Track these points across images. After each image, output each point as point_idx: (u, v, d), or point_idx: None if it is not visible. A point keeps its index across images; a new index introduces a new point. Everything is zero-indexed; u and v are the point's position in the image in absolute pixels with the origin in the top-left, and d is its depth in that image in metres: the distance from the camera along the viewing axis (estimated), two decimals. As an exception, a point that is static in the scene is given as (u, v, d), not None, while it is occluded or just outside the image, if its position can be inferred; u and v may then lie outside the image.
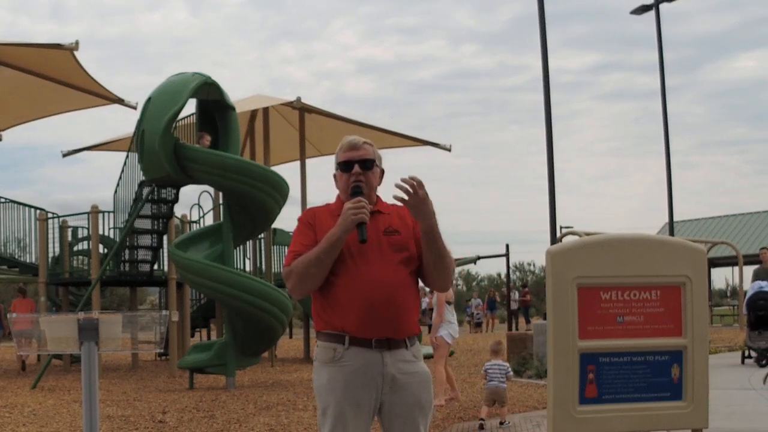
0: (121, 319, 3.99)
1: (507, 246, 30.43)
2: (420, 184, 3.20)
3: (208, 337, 22.44)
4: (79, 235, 16.95)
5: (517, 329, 29.08)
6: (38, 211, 16.43)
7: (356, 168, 3.37)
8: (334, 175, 3.48)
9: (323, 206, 3.48)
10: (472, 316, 35.94)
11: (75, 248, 17.11)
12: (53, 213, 16.56)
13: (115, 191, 15.35)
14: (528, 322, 31.16)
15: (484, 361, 9.25)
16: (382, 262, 3.28)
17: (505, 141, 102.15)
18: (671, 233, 22.13)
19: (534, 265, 63.51)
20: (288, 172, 26.31)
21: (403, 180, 3.21)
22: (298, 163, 18.40)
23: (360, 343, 3.25)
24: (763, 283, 13.35)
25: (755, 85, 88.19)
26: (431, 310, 39.89)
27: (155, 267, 16.28)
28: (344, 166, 3.39)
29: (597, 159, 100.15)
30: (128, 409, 9.75)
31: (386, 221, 3.38)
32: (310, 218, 3.41)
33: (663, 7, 22.34)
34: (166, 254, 15.85)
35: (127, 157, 14.98)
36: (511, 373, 8.75)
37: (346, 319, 3.26)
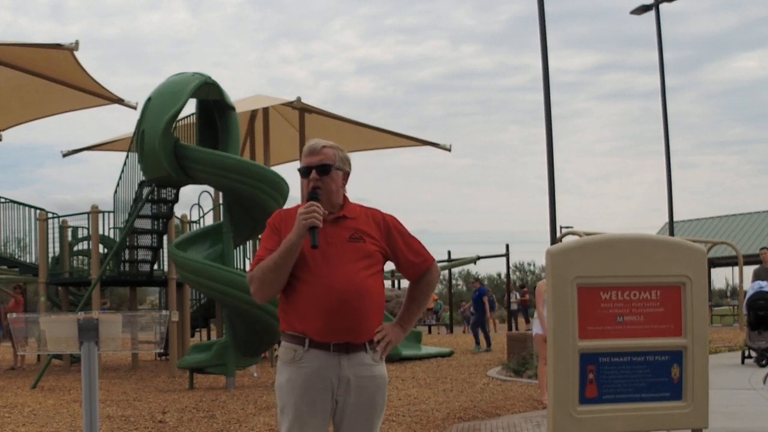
0: (121, 319, 3.99)
1: (507, 246, 30.54)
2: (382, 347, 3.41)
3: (208, 337, 22.44)
4: (79, 235, 16.96)
5: (516, 329, 29.07)
6: (38, 211, 16.43)
7: (313, 174, 3.39)
8: None
9: (293, 208, 3.48)
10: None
11: (75, 248, 17.12)
12: (53, 213, 16.59)
13: (115, 191, 15.36)
14: (528, 322, 31.16)
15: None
16: (344, 269, 3.30)
17: (505, 141, 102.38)
18: (671, 233, 22.12)
19: (534, 265, 63.59)
20: (288, 172, 26.34)
21: (374, 345, 3.39)
22: (298, 163, 18.37)
23: (319, 346, 3.31)
24: (763, 283, 13.34)
25: (755, 85, 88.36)
26: (429, 310, 39.74)
27: (155, 267, 16.28)
28: (303, 172, 3.43)
29: (597, 159, 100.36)
30: (128, 409, 9.75)
31: (352, 226, 3.39)
32: (278, 222, 3.44)
33: (663, 7, 22.33)
34: (166, 254, 15.86)
35: (127, 157, 14.99)
36: None
37: (307, 323, 3.31)
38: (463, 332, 33.56)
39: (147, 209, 14.88)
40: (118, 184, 15.30)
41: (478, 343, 19.91)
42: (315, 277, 3.29)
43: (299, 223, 3.24)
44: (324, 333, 3.29)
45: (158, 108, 12.27)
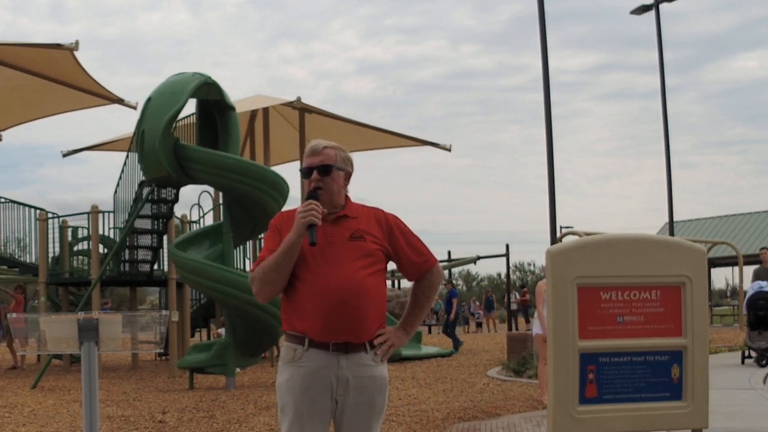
0: (121, 319, 3.99)
1: (507, 246, 30.48)
2: (383, 351, 3.40)
3: (208, 337, 22.43)
4: (79, 235, 16.95)
5: (516, 329, 29.08)
6: (38, 211, 16.42)
7: (314, 174, 3.41)
8: None
9: (294, 210, 3.48)
10: (472, 315, 35.99)
11: (75, 248, 17.11)
12: (53, 213, 16.58)
13: (115, 191, 15.35)
14: (528, 322, 31.18)
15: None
16: (344, 268, 3.30)
17: (505, 141, 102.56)
18: (671, 233, 22.12)
19: (534, 265, 63.68)
20: (288, 172, 26.36)
21: (375, 349, 3.39)
22: (298, 163, 18.41)
23: (318, 345, 3.31)
24: (763, 283, 13.34)
25: (755, 85, 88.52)
26: (430, 310, 39.69)
27: (155, 267, 16.28)
28: (304, 173, 3.45)
29: (597, 159, 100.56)
30: (128, 409, 9.75)
31: (353, 226, 3.40)
32: (279, 223, 3.46)
33: (663, 7, 22.33)
34: (166, 254, 15.85)
35: (127, 157, 14.98)
36: None
37: (306, 322, 3.31)
38: (465, 332, 33.59)
39: (147, 209, 14.87)
40: (118, 184, 15.30)
41: (456, 347, 19.78)
42: (314, 276, 3.30)
43: (298, 222, 3.26)
44: (323, 332, 3.29)
45: (158, 108, 12.26)
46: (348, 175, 3.49)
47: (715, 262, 32.78)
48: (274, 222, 3.48)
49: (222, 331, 16.90)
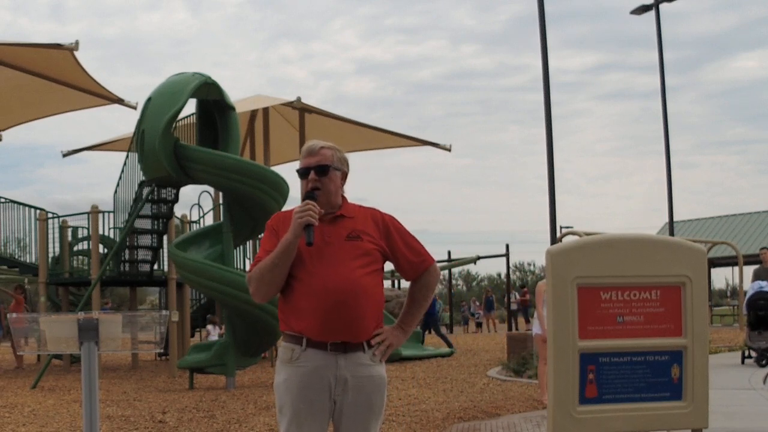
0: (121, 319, 3.99)
1: (507, 246, 30.52)
2: (381, 351, 3.40)
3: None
4: (79, 235, 16.96)
5: (516, 329, 29.08)
6: (38, 211, 16.43)
7: (312, 174, 3.42)
8: None
9: (291, 210, 3.49)
10: (472, 315, 35.99)
11: (75, 248, 17.11)
12: (53, 213, 16.58)
13: (115, 191, 15.35)
14: (528, 321, 31.19)
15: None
16: (341, 267, 3.30)
17: (505, 141, 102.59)
18: (671, 233, 22.11)
19: (534, 265, 63.69)
20: (288, 172, 26.33)
21: (373, 349, 3.39)
22: (297, 164, 18.37)
23: (316, 345, 3.31)
24: (763, 283, 13.33)
25: (755, 85, 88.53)
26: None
27: (155, 267, 16.28)
28: (301, 173, 3.46)
29: (597, 159, 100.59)
30: (128, 409, 9.75)
31: (350, 225, 3.41)
32: (276, 223, 3.46)
33: (663, 7, 22.35)
34: (166, 254, 15.85)
35: (127, 157, 14.98)
36: None
37: (304, 322, 3.32)
38: (465, 332, 33.61)
39: (147, 209, 14.87)
40: (118, 184, 15.30)
41: (450, 345, 19.69)
42: (311, 276, 3.30)
43: (295, 222, 3.26)
44: (320, 332, 3.29)
45: (158, 108, 12.26)
46: (344, 176, 3.50)
47: (715, 262, 32.77)
48: (271, 223, 3.48)
49: (210, 327, 17.00)
